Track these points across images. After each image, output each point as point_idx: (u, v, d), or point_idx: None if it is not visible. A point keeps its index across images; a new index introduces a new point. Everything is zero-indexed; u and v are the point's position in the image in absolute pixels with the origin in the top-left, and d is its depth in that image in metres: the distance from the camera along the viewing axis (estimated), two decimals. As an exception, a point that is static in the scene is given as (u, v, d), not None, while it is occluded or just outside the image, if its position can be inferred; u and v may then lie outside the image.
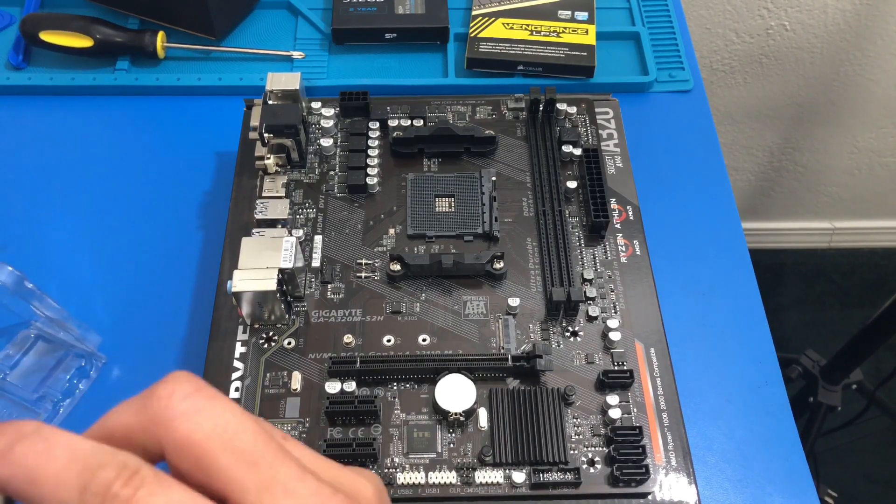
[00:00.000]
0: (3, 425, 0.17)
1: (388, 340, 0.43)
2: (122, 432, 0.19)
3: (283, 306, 0.43)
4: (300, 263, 0.45)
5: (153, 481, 0.17)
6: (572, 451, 0.39)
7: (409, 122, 0.52)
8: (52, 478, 0.16)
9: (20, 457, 0.16)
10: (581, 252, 0.47)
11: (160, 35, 0.59)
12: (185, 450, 0.18)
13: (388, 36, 0.61)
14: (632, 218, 0.48)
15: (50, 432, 0.17)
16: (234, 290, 0.41)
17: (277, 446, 0.19)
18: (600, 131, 0.52)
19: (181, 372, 0.19)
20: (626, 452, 0.39)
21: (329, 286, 0.45)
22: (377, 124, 0.52)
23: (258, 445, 0.18)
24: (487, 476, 0.38)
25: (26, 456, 0.16)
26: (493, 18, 0.61)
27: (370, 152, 0.50)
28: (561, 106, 0.52)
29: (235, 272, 0.41)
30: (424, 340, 0.43)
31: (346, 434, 0.40)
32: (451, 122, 0.52)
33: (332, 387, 0.41)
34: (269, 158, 0.48)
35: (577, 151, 0.50)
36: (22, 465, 0.16)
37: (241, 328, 0.43)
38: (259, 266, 0.42)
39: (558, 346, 0.43)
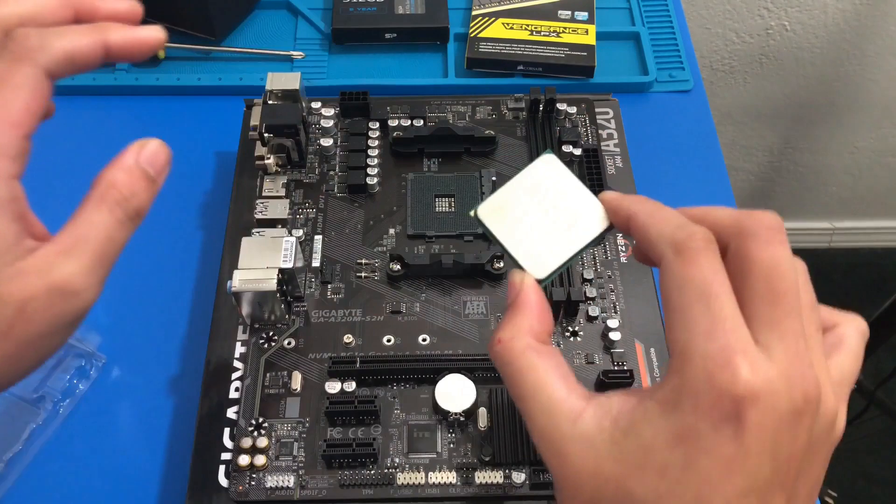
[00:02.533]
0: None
1: (388, 340, 0.43)
2: (715, 223, 0.26)
3: (283, 306, 0.43)
4: (300, 263, 0.45)
5: (716, 251, 0.25)
6: (572, 451, 0.39)
7: (409, 122, 0.52)
8: (665, 215, 0.27)
9: (651, 204, 0.28)
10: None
11: (160, 35, 0.59)
12: (757, 265, 0.24)
13: (388, 36, 0.61)
14: (632, 218, 0.48)
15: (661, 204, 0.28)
16: (234, 290, 0.41)
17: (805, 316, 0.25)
18: (600, 131, 0.52)
19: (775, 216, 0.25)
20: (626, 452, 0.39)
21: (329, 286, 0.45)
22: (377, 124, 0.52)
23: (795, 303, 0.24)
24: (487, 476, 0.38)
25: (656, 206, 0.28)
26: (493, 18, 0.61)
27: (370, 152, 0.51)
28: (561, 106, 0.52)
29: (235, 272, 0.41)
30: (424, 340, 0.43)
31: (346, 434, 0.40)
32: (451, 122, 0.52)
33: (332, 387, 0.41)
34: (269, 158, 0.49)
35: (577, 151, 0.50)
36: (645, 208, 0.27)
37: (241, 328, 0.43)
38: (259, 266, 0.42)
39: (558, 346, 0.43)
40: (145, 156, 0.29)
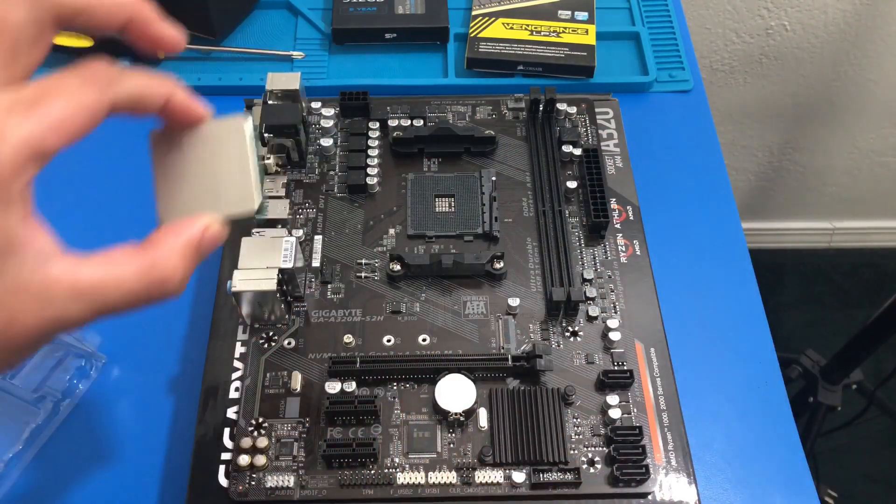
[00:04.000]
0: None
1: (388, 340, 0.43)
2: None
3: (283, 306, 0.43)
4: (300, 263, 0.45)
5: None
6: (572, 451, 0.39)
7: (409, 122, 0.52)
8: None
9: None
10: (581, 252, 0.47)
11: (160, 35, 0.59)
12: None
13: (388, 36, 0.61)
14: (632, 218, 0.48)
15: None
16: (234, 290, 0.41)
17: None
18: (600, 131, 0.52)
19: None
20: (626, 452, 0.39)
21: (329, 286, 0.45)
22: (377, 124, 0.52)
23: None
24: (487, 476, 0.38)
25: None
26: (493, 18, 0.61)
27: (370, 152, 0.50)
28: (561, 106, 0.52)
29: (235, 272, 0.41)
30: (424, 340, 0.43)
31: (346, 434, 0.40)
32: (451, 122, 0.52)
33: (332, 387, 0.41)
34: (269, 158, 0.48)
35: (577, 151, 0.50)
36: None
37: (241, 328, 0.43)
38: (259, 266, 0.42)
39: (558, 346, 0.43)
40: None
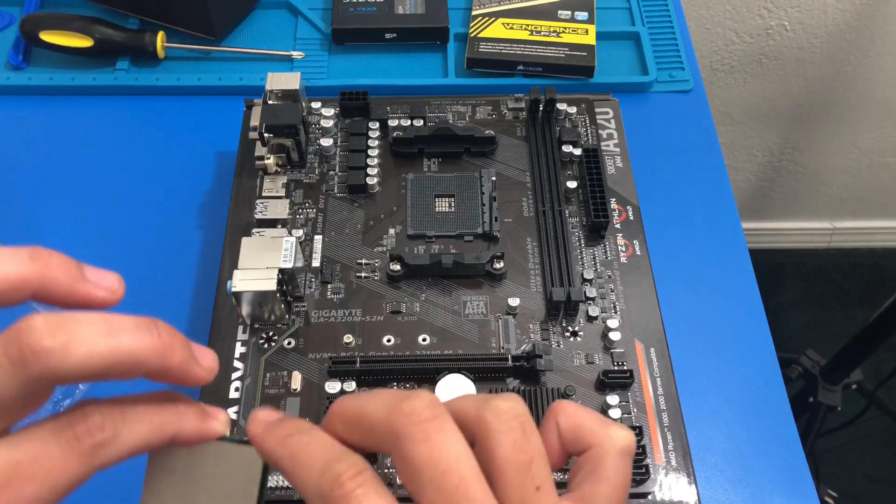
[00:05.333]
0: (285, 420, 0.24)
1: (388, 340, 0.43)
2: (369, 424, 0.23)
3: (283, 306, 0.43)
4: (300, 263, 0.45)
5: (371, 483, 0.21)
6: (572, 451, 0.39)
7: (409, 122, 0.52)
8: (306, 460, 0.22)
9: (293, 443, 0.23)
10: (581, 252, 0.47)
11: (160, 35, 0.59)
12: (409, 465, 0.21)
13: (388, 36, 0.61)
14: (632, 218, 0.48)
15: (313, 431, 0.23)
16: (234, 290, 0.41)
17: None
18: (600, 131, 0.52)
19: (426, 394, 0.23)
20: (626, 452, 0.39)
21: (329, 286, 0.45)
22: (377, 124, 0.52)
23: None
24: (487, 476, 0.38)
25: (298, 444, 0.23)
26: (493, 18, 0.61)
27: (370, 152, 0.50)
28: (561, 106, 0.52)
29: (235, 272, 0.41)
30: (424, 340, 0.43)
31: (346, 434, 0.40)
32: (451, 122, 0.52)
33: (332, 387, 0.41)
34: (269, 158, 0.49)
35: (577, 151, 0.50)
36: (290, 449, 0.23)
37: (241, 328, 0.43)
38: (259, 266, 0.42)
39: (558, 346, 0.43)
40: None
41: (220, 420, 0.25)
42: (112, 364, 0.22)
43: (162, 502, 0.26)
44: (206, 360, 0.25)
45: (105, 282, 0.25)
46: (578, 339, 0.43)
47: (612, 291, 0.45)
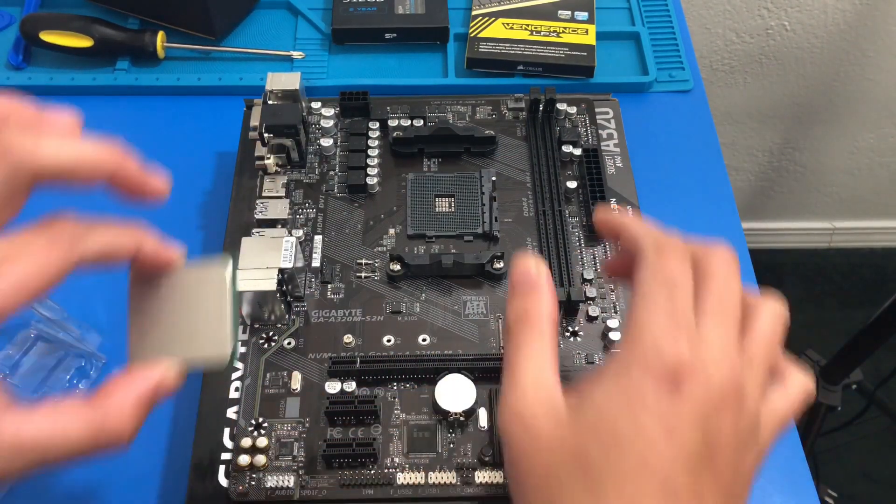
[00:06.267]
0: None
1: (388, 340, 0.43)
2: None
3: (283, 306, 0.43)
4: (300, 263, 0.45)
5: (686, 257, 0.30)
6: (572, 451, 0.39)
7: (409, 122, 0.52)
8: (647, 227, 0.32)
9: (633, 217, 0.33)
10: (581, 252, 0.47)
11: (160, 35, 0.59)
12: (715, 276, 0.30)
13: (388, 36, 0.61)
14: (632, 218, 0.48)
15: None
16: (234, 289, 0.41)
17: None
18: (600, 131, 0.52)
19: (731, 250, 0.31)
20: (626, 452, 0.38)
21: (329, 286, 0.45)
22: (377, 124, 0.52)
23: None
24: (487, 476, 0.38)
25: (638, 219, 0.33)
26: (493, 18, 0.61)
27: (370, 152, 0.51)
28: (561, 106, 0.52)
29: (236, 272, 0.41)
30: (424, 340, 0.43)
31: (346, 434, 0.40)
32: (451, 122, 0.52)
33: (332, 387, 0.41)
34: (269, 158, 0.49)
35: (577, 151, 0.50)
36: (634, 220, 0.33)
37: (241, 328, 0.43)
38: (259, 266, 0.42)
39: (558, 346, 0.43)
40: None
41: (175, 248, 0.31)
42: (77, 163, 0.28)
43: (144, 320, 0.30)
44: (159, 176, 0.30)
45: (161, 177, 0.31)
46: (578, 339, 0.43)
47: (612, 291, 0.45)
